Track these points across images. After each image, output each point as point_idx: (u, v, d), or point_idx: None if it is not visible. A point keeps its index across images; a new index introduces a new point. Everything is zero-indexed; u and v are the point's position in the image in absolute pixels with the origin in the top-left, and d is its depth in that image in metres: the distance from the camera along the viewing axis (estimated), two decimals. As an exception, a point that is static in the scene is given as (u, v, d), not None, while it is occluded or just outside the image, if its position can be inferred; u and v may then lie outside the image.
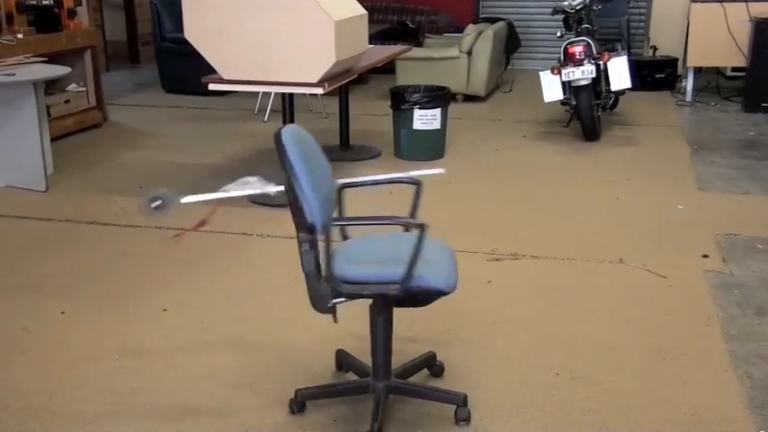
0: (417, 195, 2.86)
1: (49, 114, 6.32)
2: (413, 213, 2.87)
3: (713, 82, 8.83)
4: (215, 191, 2.52)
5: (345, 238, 2.88)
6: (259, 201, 5.14)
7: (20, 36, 6.25)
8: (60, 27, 6.74)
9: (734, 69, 8.79)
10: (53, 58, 6.14)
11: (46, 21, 6.60)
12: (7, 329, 3.48)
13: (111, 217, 4.90)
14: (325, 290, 2.56)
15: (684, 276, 3.99)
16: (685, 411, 2.85)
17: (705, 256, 4.24)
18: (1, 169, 5.49)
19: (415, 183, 2.87)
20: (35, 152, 5.34)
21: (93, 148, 6.62)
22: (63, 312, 3.64)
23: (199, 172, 5.87)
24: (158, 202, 2.66)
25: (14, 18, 6.36)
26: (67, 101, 6.90)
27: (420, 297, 2.61)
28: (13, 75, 5.25)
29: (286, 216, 4.99)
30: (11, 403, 2.91)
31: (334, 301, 2.58)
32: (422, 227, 2.46)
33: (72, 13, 6.87)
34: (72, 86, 7.05)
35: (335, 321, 2.63)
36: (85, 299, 3.78)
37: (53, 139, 6.20)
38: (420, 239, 2.46)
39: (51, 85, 6.76)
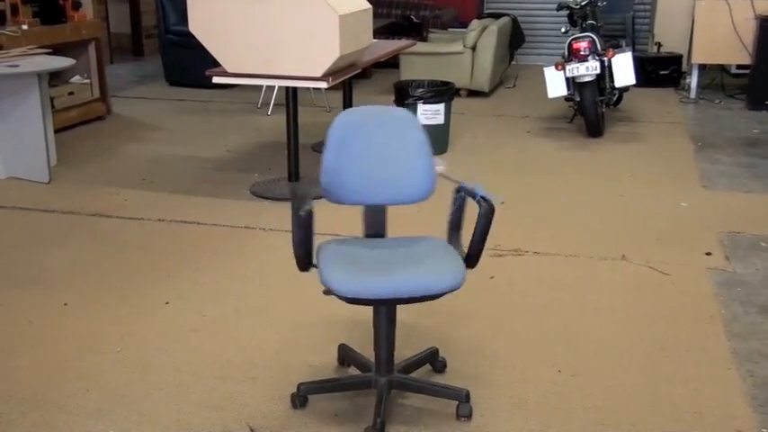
0: None
1: (52, 106, 6.32)
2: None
3: (717, 79, 8.82)
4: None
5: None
6: (261, 193, 5.14)
7: (24, 27, 6.25)
8: (65, 19, 6.74)
9: (738, 67, 8.77)
10: (57, 50, 6.14)
11: (50, 12, 6.60)
12: (10, 321, 3.48)
13: (114, 209, 4.90)
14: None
15: (687, 274, 3.99)
16: (687, 409, 2.85)
17: (708, 254, 4.24)
18: (4, 160, 5.49)
19: None
20: (39, 144, 5.34)
21: (96, 140, 6.62)
22: (65, 304, 3.64)
23: (202, 165, 5.87)
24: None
25: (19, 9, 6.36)
26: (71, 93, 6.91)
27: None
28: (18, 66, 5.25)
29: (287, 209, 5.00)
30: (13, 395, 2.91)
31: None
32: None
33: (76, 5, 6.87)
34: (76, 78, 7.05)
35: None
36: (88, 291, 3.78)
37: (57, 131, 6.20)
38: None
39: (55, 77, 6.76)
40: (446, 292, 2.53)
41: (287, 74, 4.81)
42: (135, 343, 3.30)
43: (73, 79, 7.03)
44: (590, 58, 6.45)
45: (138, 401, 2.89)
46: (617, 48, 6.90)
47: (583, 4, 7.06)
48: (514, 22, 9.33)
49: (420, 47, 8.14)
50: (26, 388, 2.96)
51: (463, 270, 2.59)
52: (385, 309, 2.69)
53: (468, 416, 2.77)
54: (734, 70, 9.01)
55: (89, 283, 3.88)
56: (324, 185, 2.79)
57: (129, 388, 2.97)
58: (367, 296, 2.48)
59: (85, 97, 7.09)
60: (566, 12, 7.26)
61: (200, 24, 4.84)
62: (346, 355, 3.08)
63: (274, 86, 7.55)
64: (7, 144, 5.44)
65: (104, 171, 5.72)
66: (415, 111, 6.04)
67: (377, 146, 2.78)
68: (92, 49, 7.14)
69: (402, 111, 2.85)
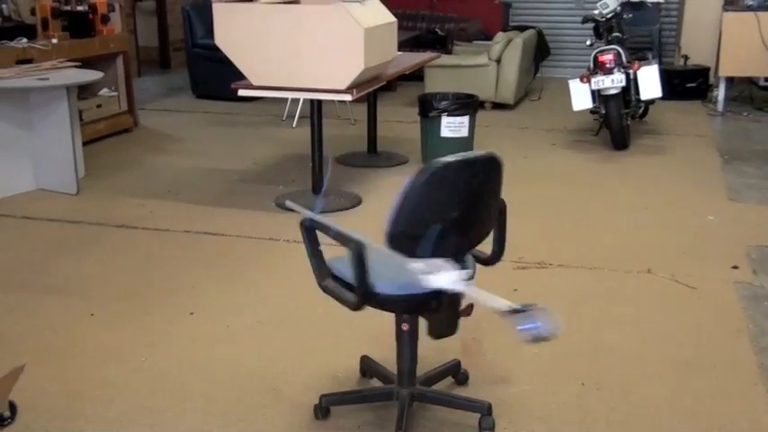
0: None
1: (81, 118, 6.40)
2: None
3: (745, 92, 8.75)
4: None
5: None
6: (286, 206, 5.16)
7: (54, 41, 6.34)
8: (94, 33, 6.83)
9: (767, 79, 8.69)
10: (86, 63, 6.22)
11: (80, 26, 6.69)
12: (36, 331, 3.52)
13: (141, 220, 4.95)
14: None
15: (714, 288, 3.95)
16: (713, 425, 2.82)
17: (735, 268, 4.19)
18: (33, 172, 5.56)
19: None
20: (67, 156, 5.41)
21: (123, 152, 6.69)
22: (92, 314, 3.67)
23: (228, 177, 5.91)
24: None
25: (49, 23, 6.46)
26: (99, 105, 6.99)
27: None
28: (47, 79, 5.33)
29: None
30: (38, 404, 2.94)
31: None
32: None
33: (105, 19, 6.96)
34: (104, 91, 7.14)
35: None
36: (114, 301, 3.82)
37: (85, 143, 6.27)
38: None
39: (84, 90, 6.84)
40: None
41: (312, 86, 4.83)
42: (159, 353, 3.32)
43: (101, 92, 7.12)
44: (615, 70, 6.42)
45: (162, 412, 2.90)
46: (643, 60, 6.86)
47: (609, 16, 7.04)
48: (540, 34, 9.31)
49: (445, 59, 8.15)
50: (51, 397, 2.99)
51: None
52: (410, 318, 2.69)
53: (491, 429, 2.76)
54: (762, 83, 8.92)
55: (115, 293, 3.91)
56: None
57: (153, 398, 2.99)
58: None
59: (113, 110, 7.17)
60: (591, 24, 7.24)
61: (225, 38, 4.89)
62: (368, 367, 3.08)
63: (299, 99, 7.59)
64: (36, 156, 5.52)
65: (131, 183, 5.78)
66: (439, 123, 6.05)
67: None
68: (120, 62, 7.23)
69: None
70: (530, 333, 2.18)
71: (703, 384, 3.08)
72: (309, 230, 2.58)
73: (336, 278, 2.63)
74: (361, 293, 2.45)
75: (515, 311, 2.19)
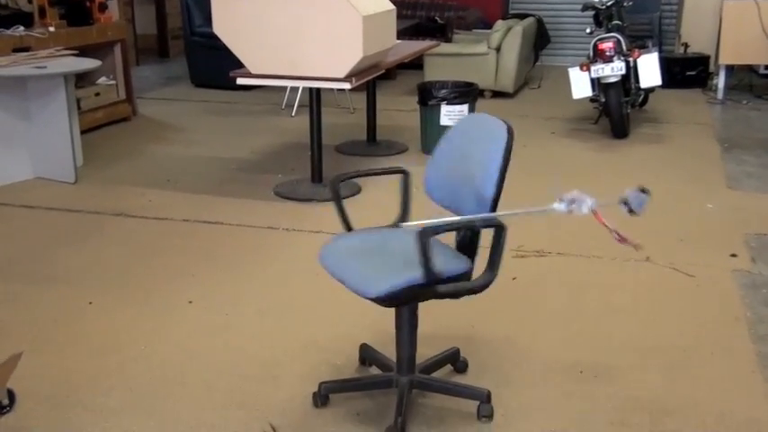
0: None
1: (79, 107, 6.39)
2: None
3: (745, 80, 8.73)
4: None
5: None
6: (284, 194, 5.16)
7: (51, 29, 6.32)
8: (91, 21, 6.80)
9: (767, 67, 8.67)
10: (84, 52, 6.20)
11: (77, 14, 6.67)
12: (35, 320, 3.52)
13: (139, 209, 4.94)
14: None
15: (712, 276, 3.95)
16: (710, 412, 2.82)
17: (734, 256, 4.19)
18: (31, 161, 5.56)
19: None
20: (65, 144, 5.40)
21: (122, 140, 6.68)
22: (90, 303, 3.67)
23: (227, 165, 5.90)
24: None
25: (47, 11, 6.43)
26: (97, 94, 6.97)
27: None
28: (45, 67, 5.31)
29: (311, 210, 5.01)
30: (37, 393, 2.94)
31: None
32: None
33: (103, 7, 6.94)
34: (102, 80, 7.12)
35: None
36: (112, 290, 3.82)
37: (83, 132, 6.26)
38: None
39: (82, 78, 6.83)
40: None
41: (310, 75, 4.82)
42: (158, 342, 3.32)
43: (99, 81, 7.10)
44: (615, 58, 6.40)
45: (161, 400, 2.90)
46: (643, 48, 6.85)
47: (608, 4, 7.02)
48: (539, 22, 9.29)
49: (444, 48, 8.13)
50: (50, 386, 2.99)
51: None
52: (407, 308, 2.69)
53: (490, 416, 2.77)
54: (762, 71, 8.91)
55: (113, 282, 3.91)
56: None
57: (153, 386, 2.99)
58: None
59: (111, 98, 7.15)
60: (591, 12, 7.21)
61: (224, 26, 4.87)
62: (368, 355, 3.09)
63: (298, 88, 7.57)
64: (34, 144, 5.51)
65: (129, 171, 5.77)
66: (438, 112, 6.04)
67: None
68: (118, 50, 7.21)
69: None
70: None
71: (701, 372, 3.08)
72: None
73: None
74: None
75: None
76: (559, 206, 2.50)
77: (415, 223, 2.47)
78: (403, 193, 2.91)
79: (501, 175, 2.63)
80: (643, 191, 2.46)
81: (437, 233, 2.45)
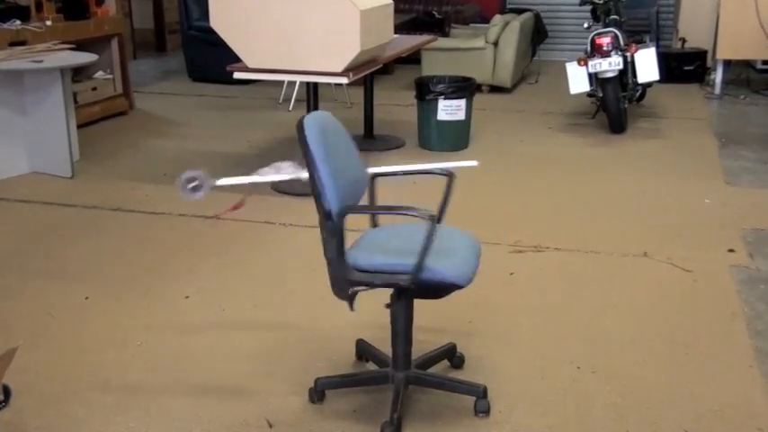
0: (449, 187, 2.85)
1: (75, 101, 6.37)
2: (443, 205, 2.86)
3: (743, 75, 8.72)
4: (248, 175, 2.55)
5: (375, 225, 2.88)
6: (282, 189, 5.15)
7: (48, 23, 6.30)
8: (88, 15, 6.78)
9: (764, 62, 8.68)
10: (81, 46, 6.18)
11: (74, 8, 6.65)
12: (32, 314, 3.52)
13: (136, 204, 4.93)
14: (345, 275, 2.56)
15: (710, 271, 3.95)
16: (708, 407, 2.82)
17: (731, 251, 4.19)
18: (28, 155, 5.54)
19: (448, 174, 2.87)
20: (62, 138, 5.39)
21: (119, 135, 6.66)
22: (87, 298, 3.67)
23: (224, 160, 5.89)
24: (195, 183, 2.66)
25: (43, 5, 6.41)
26: (94, 88, 6.95)
27: (434, 289, 2.59)
28: (41, 62, 5.29)
29: (308, 205, 4.99)
30: (33, 388, 2.93)
31: (354, 288, 2.57)
32: (432, 218, 2.45)
33: (100, 1, 6.92)
34: (99, 74, 7.10)
35: (351, 309, 2.63)
36: (109, 285, 3.81)
37: (79, 126, 6.25)
38: (431, 230, 2.44)
39: (78, 73, 6.81)
40: (457, 285, 2.55)
41: (308, 69, 4.81)
42: (155, 336, 3.32)
43: (96, 75, 7.08)
44: (613, 53, 6.39)
45: (158, 395, 2.90)
46: (640, 43, 6.84)
47: (606, -1, 7.01)
48: (537, 17, 9.27)
49: (441, 42, 8.12)
50: (46, 381, 2.99)
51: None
52: (403, 302, 2.69)
53: (486, 412, 2.76)
54: (759, 66, 8.91)
55: (110, 276, 3.91)
56: None
57: (149, 381, 2.99)
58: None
59: (108, 93, 7.13)
60: (589, 7, 7.21)
61: (220, 20, 4.86)
62: (364, 351, 3.08)
63: (295, 82, 7.56)
64: (30, 139, 5.49)
65: (126, 166, 5.76)
66: (436, 106, 6.03)
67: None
68: (115, 44, 7.18)
69: None
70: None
71: (698, 367, 3.08)
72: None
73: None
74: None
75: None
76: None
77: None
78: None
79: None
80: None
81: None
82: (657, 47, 7.57)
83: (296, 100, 7.66)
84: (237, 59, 4.98)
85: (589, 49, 6.54)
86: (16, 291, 3.75)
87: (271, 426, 2.72)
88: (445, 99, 6.02)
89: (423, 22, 9.99)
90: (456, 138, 6.17)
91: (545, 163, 5.83)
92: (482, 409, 2.76)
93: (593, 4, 7.10)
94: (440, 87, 6.05)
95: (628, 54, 6.51)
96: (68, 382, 2.98)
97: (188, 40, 8.91)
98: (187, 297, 3.68)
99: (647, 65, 6.55)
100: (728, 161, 5.85)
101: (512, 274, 3.92)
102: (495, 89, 8.31)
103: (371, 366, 3.06)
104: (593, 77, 6.51)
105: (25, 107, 5.45)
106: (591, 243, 4.29)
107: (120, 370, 3.06)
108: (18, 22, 6.15)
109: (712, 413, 2.79)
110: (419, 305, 2.74)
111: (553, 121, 7.14)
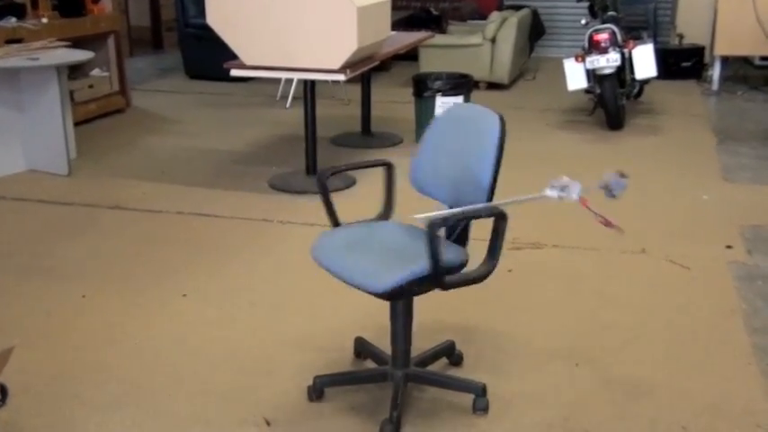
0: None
1: (72, 99, 6.36)
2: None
3: (740, 71, 8.72)
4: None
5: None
6: (279, 186, 5.14)
7: (44, 20, 6.28)
8: (84, 12, 6.77)
9: (762, 58, 8.65)
10: (77, 43, 6.16)
11: (70, 5, 6.63)
12: (28, 312, 3.50)
13: (134, 202, 4.92)
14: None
15: (708, 267, 3.95)
16: (706, 403, 2.82)
17: (729, 248, 4.19)
18: (24, 153, 5.53)
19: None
20: (58, 136, 5.37)
21: (116, 133, 6.65)
22: (83, 296, 3.66)
23: (221, 158, 5.88)
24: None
25: (39, 2, 6.39)
26: (91, 86, 6.94)
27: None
28: (37, 59, 5.28)
29: (305, 202, 4.99)
30: (30, 387, 2.93)
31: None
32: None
33: (96, -2, 6.90)
34: (96, 71, 7.08)
35: None
36: (106, 283, 3.80)
37: (76, 124, 6.23)
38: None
39: (75, 70, 6.79)
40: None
41: (305, 66, 4.80)
42: (152, 335, 3.31)
43: (92, 72, 7.06)
44: (610, 50, 6.39)
45: (155, 393, 2.89)
46: (638, 39, 6.83)
47: (603, -5, 7.01)
48: (534, 13, 9.27)
49: (439, 39, 8.10)
50: (43, 380, 2.98)
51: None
52: (403, 301, 2.68)
53: (485, 409, 2.76)
54: (757, 62, 8.89)
55: (107, 275, 3.90)
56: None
57: (146, 380, 2.98)
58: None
59: (105, 90, 7.11)
60: (586, 3, 7.20)
61: (217, 17, 4.84)
62: (363, 348, 3.08)
63: (293, 79, 7.54)
64: (27, 136, 5.48)
65: (123, 164, 5.74)
66: (433, 103, 6.02)
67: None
68: (111, 42, 7.17)
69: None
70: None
71: (697, 364, 3.08)
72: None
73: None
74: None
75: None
76: (551, 192, 2.52)
77: (426, 215, 2.47)
78: (387, 185, 2.90)
79: (497, 164, 2.69)
80: (622, 175, 2.49)
81: (446, 224, 2.45)
82: (655, 43, 7.57)
83: (293, 97, 7.65)
84: (234, 57, 4.97)
85: (587, 45, 6.53)
86: (13, 289, 3.74)
87: (269, 424, 2.71)
88: (443, 96, 6.01)
89: (420, 19, 9.98)
90: (454, 135, 6.15)
91: (543, 160, 5.82)
92: (481, 407, 2.76)
93: (590, 0, 7.09)
94: (437, 84, 6.05)
95: (625, 50, 6.50)
96: (65, 380, 2.97)
97: (185, 38, 8.89)
98: (184, 295, 3.67)
99: (644, 61, 6.55)
100: (726, 157, 5.85)
101: (510, 271, 3.91)
102: (492, 86, 8.30)
103: (370, 364, 3.06)
104: (591, 74, 6.50)
105: (22, 105, 5.43)
106: (589, 240, 4.29)
107: (118, 368, 3.05)
108: (14, 19, 6.13)
109: (711, 410, 2.79)
110: (418, 303, 2.74)
111: (551, 117, 7.13)
